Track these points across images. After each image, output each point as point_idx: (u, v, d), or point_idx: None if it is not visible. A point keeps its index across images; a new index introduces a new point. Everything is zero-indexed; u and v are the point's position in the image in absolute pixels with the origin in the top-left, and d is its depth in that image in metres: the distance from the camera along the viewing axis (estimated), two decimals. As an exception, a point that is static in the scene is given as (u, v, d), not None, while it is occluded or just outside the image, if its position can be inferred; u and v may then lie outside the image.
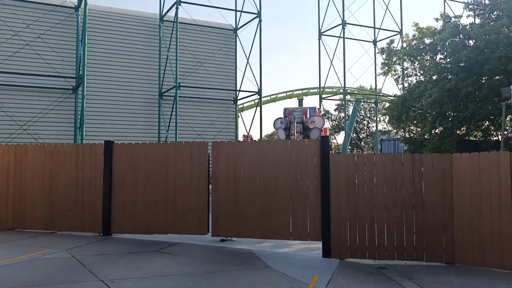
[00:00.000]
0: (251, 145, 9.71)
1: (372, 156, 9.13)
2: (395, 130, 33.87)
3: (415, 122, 22.32)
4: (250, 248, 9.37)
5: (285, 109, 22.33)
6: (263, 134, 33.72)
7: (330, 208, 8.79)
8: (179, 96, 25.25)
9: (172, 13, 26.02)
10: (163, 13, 26.99)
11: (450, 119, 19.70)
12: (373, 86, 40.26)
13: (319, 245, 9.00)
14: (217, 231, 9.66)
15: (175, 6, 25.11)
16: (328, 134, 23.05)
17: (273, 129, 23.18)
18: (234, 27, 29.74)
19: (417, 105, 21.23)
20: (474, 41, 19.02)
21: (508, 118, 17.44)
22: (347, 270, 7.89)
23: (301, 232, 9.09)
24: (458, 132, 20.63)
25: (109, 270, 7.18)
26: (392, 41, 24.53)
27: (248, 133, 30.07)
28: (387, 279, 7.42)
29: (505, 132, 16.68)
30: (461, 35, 19.28)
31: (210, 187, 9.90)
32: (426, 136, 21.30)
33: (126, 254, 8.45)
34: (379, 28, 37.97)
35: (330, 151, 9.71)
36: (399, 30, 36.78)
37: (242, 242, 9.96)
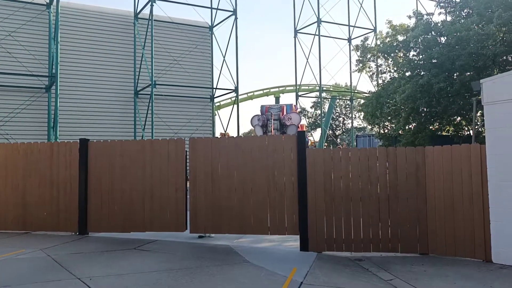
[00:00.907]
0: (228, 141, 9.74)
1: (347, 150, 9.28)
2: (370, 127, 34.39)
3: (389, 118, 22.68)
4: (228, 244, 9.40)
5: (262, 106, 22.41)
6: (241, 131, 33.73)
7: (307, 202, 8.90)
8: (155, 94, 25.03)
9: (147, 11, 25.77)
10: (138, 11, 26.69)
11: (423, 114, 20.09)
12: (348, 84, 40.72)
13: (296, 238, 9.10)
14: (195, 228, 9.65)
15: (149, 3, 24.88)
16: (304, 131, 23.21)
17: (251, 127, 23.26)
18: (210, 24, 29.63)
19: (391, 101, 21.58)
20: (445, 38, 19.43)
21: (478, 113, 17.87)
22: (324, 262, 8.00)
23: (279, 226, 9.16)
24: (431, 127, 21.06)
25: (86, 268, 7.11)
26: (366, 39, 24.87)
27: (225, 131, 30.05)
28: (363, 270, 7.56)
29: (476, 127, 17.10)
30: (433, 32, 19.67)
31: (188, 184, 9.87)
32: (400, 132, 21.67)
33: (103, 253, 8.37)
34: (354, 26, 38.43)
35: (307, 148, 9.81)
36: (373, 28, 37.31)
37: (220, 238, 9.98)
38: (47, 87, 23.10)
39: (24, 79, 22.79)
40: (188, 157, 9.86)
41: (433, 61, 18.77)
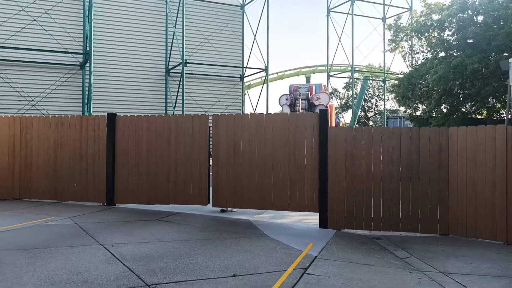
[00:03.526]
0: (251, 117, 9.83)
1: (370, 129, 9.21)
2: (403, 109, 33.68)
3: (421, 99, 22.18)
4: (249, 219, 9.58)
5: (290, 86, 22.30)
6: (270, 111, 33.72)
7: (327, 180, 8.93)
8: (185, 73, 25.27)
9: (179, -11, 25.86)
10: (170, -11, 26.83)
11: (455, 96, 19.55)
12: (382, 64, 39.89)
13: (316, 216, 9.17)
14: (217, 202, 9.87)
15: (181, -19, 24.95)
16: (333, 112, 23.00)
17: (280, 106, 23.22)
18: (242, 3, 29.48)
19: (423, 82, 21.09)
20: (482, 17, 18.73)
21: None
22: (342, 239, 8.06)
23: (299, 203, 9.26)
24: (463, 109, 20.51)
25: (109, 236, 7.43)
26: (399, 18, 24.21)
27: (254, 110, 30.12)
28: (380, 248, 7.59)
29: (511, 110, 16.58)
30: (469, 11, 18.97)
31: (211, 159, 10.07)
32: (432, 114, 21.20)
33: (127, 222, 8.70)
34: (389, 5, 37.40)
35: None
36: (409, 7, 36.23)
37: (242, 213, 10.18)
38: (81, 64, 23.68)
39: (60, 56, 23.42)
40: (211, 133, 10.03)
41: (468, 41, 18.19)
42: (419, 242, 8.01)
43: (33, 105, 22.78)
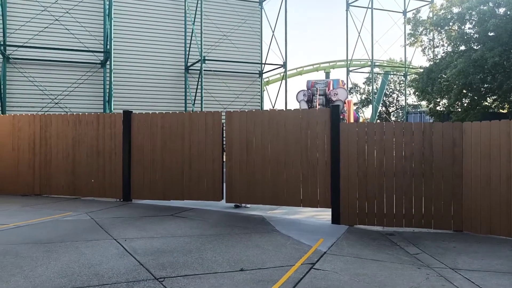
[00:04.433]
0: (263, 114, 9.89)
1: (382, 125, 9.17)
2: (425, 103, 33.16)
3: (441, 94, 21.84)
4: (261, 214, 9.66)
5: (308, 81, 22.23)
6: (289, 107, 33.67)
7: (339, 176, 8.93)
8: (204, 70, 25.47)
9: (197, -14, 26.04)
10: (188, -14, 27.02)
11: (476, 90, 19.19)
12: (403, 59, 39.36)
13: (329, 212, 9.19)
14: (231, 198, 9.99)
15: (199, -21, 25.10)
16: (351, 107, 22.85)
17: (297, 103, 23.16)
18: (260, -1, 29.50)
19: (444, 76, 20.75)
20: (504, 9, 18.32)
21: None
22: (353, 235, 8.07)
23: (311, 199, 9.29)
24: (485, 104, 20.11)
25: (123, 231, 7.61)
26: (418, 11, 23.83)
27: (273, 106, 30.13)
28: (392, 244, 7.57)
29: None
30: (490, 3, 18.56)
31: (224, 155, 10.18)
32: (451, 109, 20.85)
33: (142, 218, 8.89)
34: (410, -2, 36.84)
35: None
36: (430, 0, 35.63)
37: (255, 209, 10.27)
38: (102, 62, 24.10)
39: (81, 54, 23.87)
40: (224, 129, 10.14)
41: (489, 34, 17.81)
42: (431, 239, 7.95)
43: (55, 103, 23.30)
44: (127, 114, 10.89)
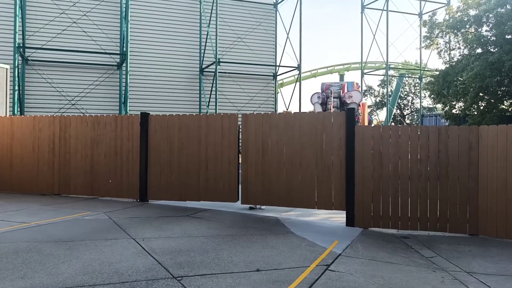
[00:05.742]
0: (279, 117, 9.97)
1: (397, 128, 9.19)
2: (440, 106, 32.93)
3: (457, 97, 21.68)
4: (276, 216, 9.74)
5: (322, 84, 22.22)
6: (303, 109, 33.75)
7: (354, 178, 8.98)
8: (219, 72, 25.67)
9: (212, -11, 26.25)
10: (204, -11, 27.25)
11: (493, 93, 19.03)
12: (418, 61, 39.11)
13: (343, 214, 9.23)
14: (246, 199, 10.09)
15: (215, -19, 25.31)
16: (366, 110, 22.78)
17: (312, 105, 23.17)
18: (275, 1, 29.62)
19: (460, 79, 20.61)
20: (522, 12, 18.14)
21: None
22: (368, 238, 8.11)
23: (326, 201, 9.34)
24: (502, 107, 19.93)
25: (141, 230, 7.76)
26: (434, 14, 23.68)
27: (287, 109, 30.19)
28: (406, 247, 7.60)
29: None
30: (508, 6, 18.40)
31: (240, 157, 10.28)
32: (468, 112, 20.69)
33: (159, 218, 9.03)
34: (426, 0, 36.66)
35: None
36: (446, 2, 35.39)
37: (270, 211, 10.35)
38: (118, 64, 24.44)
39: (98, 56, 24.26)
40: (240, 131, 10.25)
41: (507, 36, 17.67)
42: (446, 242, 7.96)
43: (72, 105, 23.68)
44: (145, 116, 11.06)
